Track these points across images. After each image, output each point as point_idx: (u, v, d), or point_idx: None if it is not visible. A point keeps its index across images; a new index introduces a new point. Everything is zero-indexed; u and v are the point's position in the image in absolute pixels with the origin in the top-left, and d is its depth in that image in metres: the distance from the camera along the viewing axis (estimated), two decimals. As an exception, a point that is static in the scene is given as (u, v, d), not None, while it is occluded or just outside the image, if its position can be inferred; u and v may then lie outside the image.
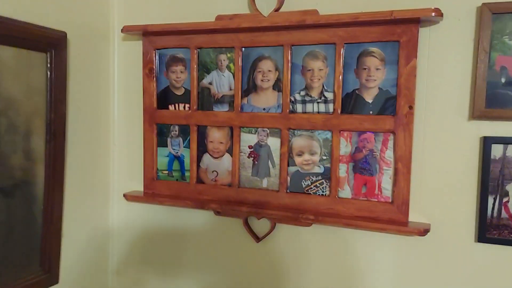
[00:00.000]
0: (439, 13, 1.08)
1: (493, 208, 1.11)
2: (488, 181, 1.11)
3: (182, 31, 1.37)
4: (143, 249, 1.56)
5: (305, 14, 1.23)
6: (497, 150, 1.10)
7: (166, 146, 1.48)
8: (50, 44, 1.20)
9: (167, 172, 1.49)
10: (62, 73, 1.26)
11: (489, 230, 1.12)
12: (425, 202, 1.19)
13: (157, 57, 1.45)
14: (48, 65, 1.21)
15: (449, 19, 1.13)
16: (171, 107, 1.45)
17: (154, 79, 1.46)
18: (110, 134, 1.56)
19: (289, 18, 1.23)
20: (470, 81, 1.13)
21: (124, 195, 1.49)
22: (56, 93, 1.23)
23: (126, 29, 1.42)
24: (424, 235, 1.14)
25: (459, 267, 1.17)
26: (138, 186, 1.54)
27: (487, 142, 1.11)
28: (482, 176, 1.12)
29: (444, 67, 1.15)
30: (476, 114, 1.11)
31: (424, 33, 1.15)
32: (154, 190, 1.49)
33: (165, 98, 1.46)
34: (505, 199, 1.10)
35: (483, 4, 1.08)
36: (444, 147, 1.17)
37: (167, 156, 1.48)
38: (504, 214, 1.11)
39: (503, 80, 1.09)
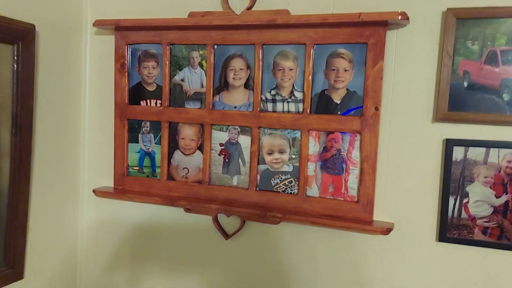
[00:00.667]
0: (405, 17, 1.12)
1: (453, 209, 1.16)
2: (450, 182, 1.15)
3: (154, 27, 1.38)
4: (112, 246, 1.56)
5: (276, 14, 1.25)
6: (458, 152, 1.14)
7: (137, 142, 1.48)
8: (17, 36, 1.20)
9: (137, 168, 1.49)
10: (30, 66, 1.25)
11: (449, 230, 1.16)
12: (389, 201, 1.23)
13: (129, 52, 1.46)
14: (15, 58, 1.20)
15: (415, 22, 1.16)
16: (143, 103, 1.46)
17: (126, 74, 1.46)
18: (81, 129, 1.55)
19: (260, 17, 1.25)
20: (434, 84, 1.16)
21: (94, 191, 1.49)
22: (23, 86, 1.23)
23: (98, 23, 1.42)
24: (386, 234, 1.17)
25: (420, 266, 1.21)
26: (108, 182, 1.54)
27: (449, 144, 1.15)
28: (443, 177, 1.16)
29: (410, 70, 1.19)
30: (439, 117, 1.15)
31: (391, 36, 1.19)
32: (124, 186, 1.50)
33: (137, 93, 1.47)
34: (465, 200, 1.15)
35: (448, 9, 1.12)
36: (408, 148, 1.20)
37: (138, 152, 1.49)
38: (464, 214, 1.15)
39: (465, 84, 1.13)
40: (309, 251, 1.32)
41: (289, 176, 1.31)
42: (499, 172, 1.11)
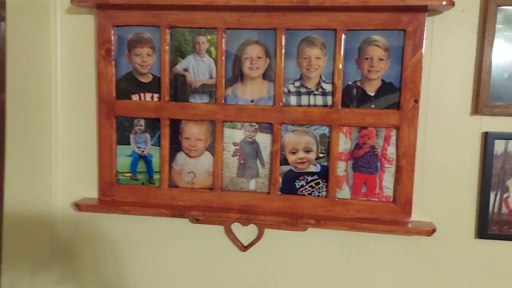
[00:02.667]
0: (450, 3, 1.07)
1: (494, 204, 1.14)
2: (491, 177, 1.14)
3: (151, 6, 1.18)
4: (101, 267, 1.34)
5: (304, -5, 1.13)
6: (499, 146, 1.13)
7: (128, 143, 1.28)
8: (-14, 13, 0.94)
9: (130, 174, 1.29)
10: (1, 52, 1.00)
11: (490, 226, 1.15)
12: (427, 200, 1.19)
13: (115, 36, 1.24)
14: (-16, 42, 0.95)
15: (452, 9, 1.11)
16: (135, 97, 1.26)
17: (113, 62, 1.24)
18: (52, 129, 1.30)
19: (288, -2, 1.12)
20: (473, 75, 1.14)
21: (76, 205, 1.27)
22: (-6, 78, 0.97)
23: (77, 0, 1.19)
24: (431, 235, 1.13)
25: (460, 264, 1.19)
26: (89, 192, 1.32)
27: (489, 138, 1.13)
28: (484, 172, 1.14)
29: (447, 60, 1.15)
30: (479, 109, 1.12)
31: (428, 22, 1.13)
32: (113, 197, 1.29)
33: (127, 85, 1.26)
34: (505, 195, 1.14)
35: (489, -5, 1.09)
36: (445, 142, 1.17)
37: (130, 155, 1.29)
38: (504, 209, 1.15)
39: (506, 75, 1.11)
40: (342, 258, 1.24)
41: (316, 177, 1.21)
42: (540, 165, 1.12)
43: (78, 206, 1.27)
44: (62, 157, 1.33)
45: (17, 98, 1.15)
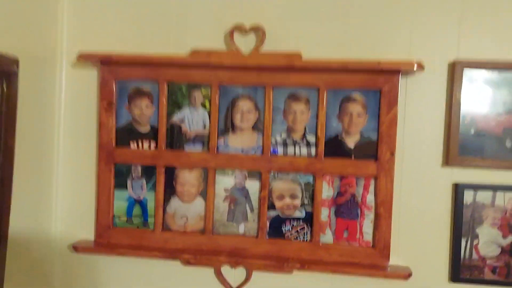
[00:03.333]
0: (421, 67, 1.20)
1: (465, 250, 1.24)
2: (461, 225, 1.24)
3: (151, 63, 1.30)
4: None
5: (289, 57, 1.26)
6: (468, 196, 1.23)
7: (125, 188, 1.37)
8: (3, 72, 1.05)
9: (126, 218, 1.37)
10: (13, 106, 1.10)
11: (462, 271, 1.24)
12: (403, 245, 1.28)
13: (117, 88, 1.35)
14: (0, 97, 1.04)
15: (424, 71, 1.24)
16: (133, 144, 1.36)
17: (114, 113, 1.35)
18: (54, 174, 1.39)
19: (276, 60, 1.25)
20: (443, 130, 1.25)
21: (74, 247, 1.34)
22: (6, 130, 1.07)
23: (82, 57, 1.31)
24: (408, 279, 1.21)
25: (436, 307, 1.27)
26: (86, 234, 1.40)
27: (459, 188, 1.24)
28: (455, 220, 1.24)
29: (420, 116, 1.27)
30: (449, 161, 1.23)
31: (402, 83, 1.26)
32: (109, 239, 1.36)
33: (125, 134, 1.36)
34: (475, 242, 1.24)
35: (456, 60, 1.22)
36: (419, 192, 1.28)
37: (127, 200, 1.37)
38: (475, 255, 1.24)
39: (472, 131, 1.23)
40: (324, 300, 1.31)
41: (301, 223, 1.30)
42: (505, 214, 1.23)
43: (75, 248, 1.34)
44: (62, 200, 1.41)
45: (24, 145, 1.24)
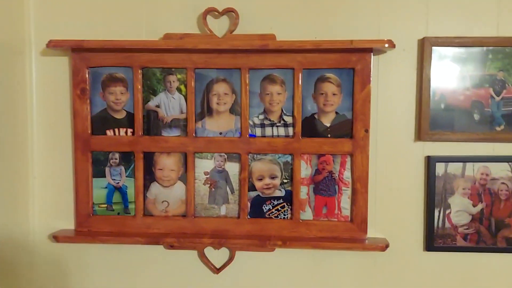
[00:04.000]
0: (391, 45, 1.23)
1: (438, 220, 1.30)
2: (434, 196, 1.29)
3: (124, 49, 1.29)
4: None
5: (263, 38, 1.27)
6: (440, 168, 1.29)
7: (104, 176, 1.36)
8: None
9: (105, 205, 1.37)
10: (-17, 98, 1.07)
11: (435, 240, 1.30)
12: (380, 218, 1.33)
13: (90, 76, 1.33)
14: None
15: (395, 49, 1.28)
16: (109, 132, 1.35)
17: (88, 100, 1.33)
18: (29, 165, 1.37)
19: (250, 42, 1.26)
20: (415, 106, 1.30)
21: (55, 237, 1.33)
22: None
23: (53, 44, 1.28)
24: (385, 250, 1.27)
25: (412, 275, 1.33)
26: (65, 224, 1.39)
27: (431, 161, 1.29)
28: (428, 191, 1.30)
29: (392, 93, 1.31)
30: (421, 136, 1.28)
31: (373, 61, 1.29)
32: (90, 228, 1.36)
33: (101, 122, 1.35)
34: (447, 211, 1.30)
35: (425, 37, 1.26)
36: (393, 166, 1.32)
37: (105, 187, 1.37)
38: (447, 224, 1.30)
39: (442, 106, 1.28)
40: (307, 275, 1.36)
41: (281, 201, 1.33)
42: (475, 183, 1.29)
43: (56, 238, 1.33)
44: (39, 192, 1.39)
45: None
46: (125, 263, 1.39)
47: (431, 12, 1.28)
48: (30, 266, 1.39)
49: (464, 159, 1.29)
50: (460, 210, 1.30)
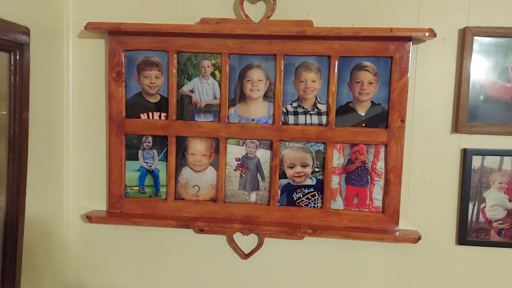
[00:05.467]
0: (432, 33, 1.20)
1: (472, 213, 1.28)
2: (469, 189, 1.27)
3: (160, 33, 1.29)
4: (110, 277, 1.43)
5: (301, 24, 1.27)
6: (476, 161, 1.27)
7: (136, 159, 1.38)
8: (15, 42, 1.04)
9: (137, 188, 1.39)
10: (25, 78, 1.11)
11: (469, 234, 1.28)
12: (412, 210, 1.32)
13: (125, 59, 1.35)
14: (12, 68, 1.04)
15: (434, 38, 1.25)
16: (143, 116, 1.36)
17: (123, 84, 1.35)
18: (64, 146, 1.40)
19: (287, 28, 1.25)
20: (453, 97, 1.28)
21: (88, 217, 1.36)
22: (20, 102, 1.08)
23: (91, 26, 1.30)
24: (416, 243, 1.26)
25: (443, 269, 1.32)
26: (98, 205, 1.42)
27: (467, 154, 1.27)
28: (463, 185, 1.28)
29: (430, 83, 1.29)
30: (458, 128, 1.26)
31: (412, 50, 1.27)
32: (122, 209, 1.39)
33: (136, 105, 1.37)
34: (482, 205, 1.28)
35: (466, 27, 1.23)
36: (429, 158, 1.31)
37: (138, 170, 1.39)
38: (481, 218, 1.28)
39: (481, 97, 1.25)
40: (336, 264, 1.36)
41: (312, 190, 1.33)
42: (512, 178, 1.26)
43: (89, 218, 1.36)
44: (73, 172, 1.42)
45: (34, 117, 1.24)
46: (155, 245, 1.42)
47: (473, 1, 1.25)
48: (63, 244, 1.43)
49: (502, 153, 1.26)
50: (495, 204, 1.28)
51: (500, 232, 1.29)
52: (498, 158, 1.27)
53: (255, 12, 1.32)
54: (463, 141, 1.28)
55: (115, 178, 1.38)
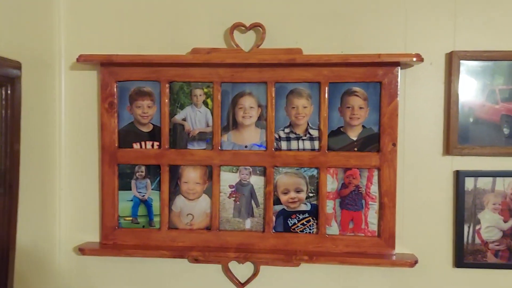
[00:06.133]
0: (419, 58, 1.23)
1: (468, 235, 1.28)
2: (464, 211, 1.28)
3: (152, 63, 1.31)
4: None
5: (292, 53, 1.29)
6: (469, 183, 1.27)
7: (129, 189, 1.38)
8: (6, 77, 1.05)
9: (131, 218, 1.38)
10: (17, 110, 1.11)
11: (465, 256, 1.28)
12: (407, 233, 1.31)
13: (118, 90, 1.36)
14: (4, 102, 1.04)
15: (421, 63, 1.27)
16: (136, 145, 1.36)
17: (116, 114, 1.35)
18: (56, 177, 1.39)
19: (277, 56, 1.27)
20: (443, 120, 1.29)
21: (81, 249, 1.34)
22: (12, 134, 1.07)
23: (83, 58, 1.31)
24: (413, 266, 1.25)
25: (441, 293, 1.31)
26: (90, 237, 1.40)
27: (460, 176, 1.28)
28: (457, 207, 1.28)
29: (419, 107, 1.31)
30: (449, 150, 1.27)
31: (401, 75, 1.29)
32: (115, 241, 1.37)
33: (128, 135, 1.37)
34: (477, 227, 1.28)
35: (453, 51, 1.26)
36: (422, 181, 1.31)
37: (131, 200, 1.38)
38: (477, 240, 1.28)
39: (471, 119, 1.27)
40: (332, 291, 1.34)
41: (307, 215, 1.33)
42: (505, 199, 1.27)
43: (82, 250, 1.34)
44: (66, 204, 1.41)
45: (26, 149, 1.23)
46: (150, 276, 1.39)
47: (458, 26, 1.28)
48: (55, 278, 1.40)
49: (494, 174, 1.27)
50: (490, 225, 1.28)
51: (496, 254, 1.28)
52: (490, 179, 1.27)
53: (245, 41, 1.34)
54: (455, 163, 1.29)
55: (108, 209, 1.37)
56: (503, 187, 1.27)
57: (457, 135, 1.27)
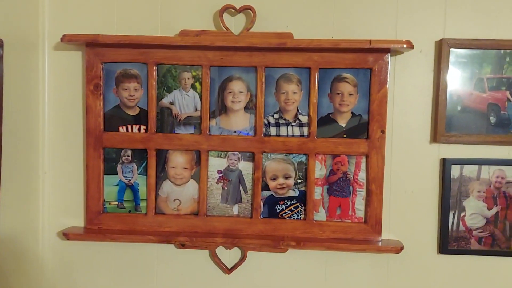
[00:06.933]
0: (410, 45, 1.23)
1: (453, 222, 1.30)
2: (449, 198, 1.29)
3: (139, 45, 1.28)
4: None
5: (281, 37, 1.27)
6: (455, 170, 1.29)
7: (115, 173, 1.35)
8: (-12, 55, 1.01)
9: (116, 203, 1.36)
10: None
11: (450, 242, 1.30)
12: (394, 220, 1.33)
13: (103, 72, 1.32)
14: (-15, 81, 1.01)
15: (412, 50, 1.27)
16: (122, 129, 1.34)
17: (101, 96, 1.32)
18: (40, 161, 1.36)
19: (267, 40, 1.25)
20: (431, 108, 1.30)
21: (65, 234, 1.32)
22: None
23: (67, 38, 1.27)
24: (399, 253, 1.26)
25: (426, 278, 1.33)
26: (75, 221, 1.38)
27: (447, 163, 1.29)
28: (443, 194, 1.30)
29: (408, 94, 1.31)
30: (437, 138, 1.28)
31: (391, 62, 1.28)
32: (100, 225, 1.35)
33: (114, 118, 1.34)
34: (462, 214, 1.30)
35: (442, 39, 1.26)
36: (409, 168, 1.32)
37: (117, 184, 1.36)
38: (461, 227, 1.30)
39: (459, 108, 1.28)
40: (319, 276, 1.35)
41: (295, 201, 1.33)
42: (490, 186, 1.29)
43: (66, 235, 1.32)
44: (49, 188, 1.38)
45: (8, 132, 1.20)
46: (136, 261, 1.38)
47: (449, 14, 1.28)
48: (39, 263, 1.38)
49: (480, 162, 1.29)
50: (474, 213, 1.30)
51: (480, 241, 1.30)
52: (476, 167, 1.29)
53: (235, 24, 1.32)
54: (442, 150, 1.30)
55: (93, 193, 1.35)
56: (488, 175, 1.29)
57: (445, 123, 1.28)
